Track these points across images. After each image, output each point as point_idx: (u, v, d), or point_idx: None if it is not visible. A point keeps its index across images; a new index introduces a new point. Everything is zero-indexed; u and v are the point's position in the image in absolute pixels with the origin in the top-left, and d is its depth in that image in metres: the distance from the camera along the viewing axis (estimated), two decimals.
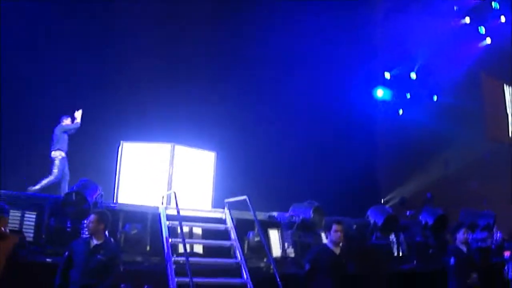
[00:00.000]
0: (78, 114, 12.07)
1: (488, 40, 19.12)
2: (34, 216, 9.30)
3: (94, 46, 13.80)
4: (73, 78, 13.36)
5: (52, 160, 11.72)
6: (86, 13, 13.95)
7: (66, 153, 11.85)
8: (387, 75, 19.26)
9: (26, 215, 9.26)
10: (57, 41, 13.37)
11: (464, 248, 10.34)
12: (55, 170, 11.61)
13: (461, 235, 10.44)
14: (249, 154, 14.60)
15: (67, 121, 12.05)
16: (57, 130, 11.92)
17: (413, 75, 19.04)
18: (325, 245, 8.48)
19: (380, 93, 19.28)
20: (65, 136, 11.94)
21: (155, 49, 14.40)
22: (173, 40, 14.75)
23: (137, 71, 13.89)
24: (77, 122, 12.04)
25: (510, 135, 19.45)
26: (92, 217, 7.37)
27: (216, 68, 15.28)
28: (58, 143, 11.80)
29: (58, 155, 11.73)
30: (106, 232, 7.79)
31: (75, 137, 12.11)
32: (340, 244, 8.21)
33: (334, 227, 8.14)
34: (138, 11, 14.33)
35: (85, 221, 7.57)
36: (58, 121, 12.02)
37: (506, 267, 11.87)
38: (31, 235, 9.15)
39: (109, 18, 14.09)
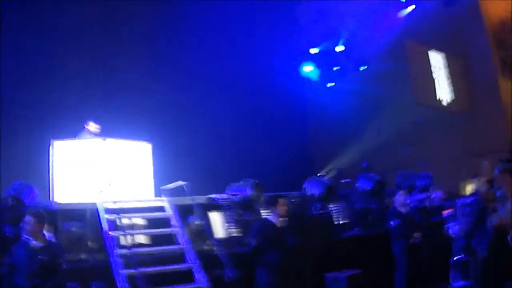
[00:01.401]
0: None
1: (410, 8, 19.42)
2: None
3: (22, 40, 13.46)
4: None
5: None
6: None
7: None
8: (313, 50, 19.39)
9: None
10: None
11: (404, 210, 10.63)
12: None
13: (399, 198, 10.75)
14: (184, 140, 14.56)
15: (89, 127, 11.58)
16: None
17: (339, 48, 19.22)
18: (266, 219, 8.68)
19: (307, 69, 19.41)
20: None
21: (84, 42, 14.17)
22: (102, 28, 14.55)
23: (67, 67, 13.67)
24: None
25: (437, 98, 19.88)
26: (30, 219, 7.27)
27: (145, 57, 15.19)
28: None
29: None
30: (45, 232, 7.70)
31: (6, 137, 11.81)
32: (281, 218, 8.43)
33: (281, 201, 8.52)
34: None
35: (23, 224, 7.43)
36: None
37: (446, 225, 12.20)
38: None
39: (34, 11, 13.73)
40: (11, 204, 9.03)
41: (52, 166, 10.49)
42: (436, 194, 13.93)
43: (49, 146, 10.59)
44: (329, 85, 19.58)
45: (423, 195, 13.78)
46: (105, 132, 10.90)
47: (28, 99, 12.96)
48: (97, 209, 9.12)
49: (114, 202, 8.86)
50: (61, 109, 13.24)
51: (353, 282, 9.97)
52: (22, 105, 12.50)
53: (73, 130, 11.88)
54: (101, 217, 8.94)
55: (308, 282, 9.31)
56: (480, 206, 9.65)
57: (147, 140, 11.15)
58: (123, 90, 14.26)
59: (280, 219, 8.48)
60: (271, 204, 8.71)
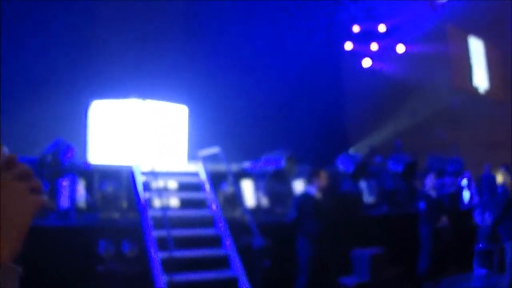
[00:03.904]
0: None
1: None
2: None
3: (60, 6, 13.52)
4: (41, 36, 13.07)
5: None
6: None
7: None
8: (356, 28, 19.25)
9: None
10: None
11: (433, 193, 10.68)
12: None
13: (429, 181, 10.80)
14: (220, 106, 14.51)
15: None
16: None
17: (381, 28, 19.06)
18: (306, 192, 8.98)
19: (349, 45, 19.27)
20: None
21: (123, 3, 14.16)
22: None
23: (106, 27, 13.70)
24: None
25: (473, 85, 19.75)
26: None
27: (185, 21, 15.16)
28: None
29: None
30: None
31: (45, 96, 11.92)
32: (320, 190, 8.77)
33: (322, 174, 9.00)
34: None
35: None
36: None
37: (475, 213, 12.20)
38: None
39: None
40: (50, 161, 9.21)
41: (90, 125, 10.63)
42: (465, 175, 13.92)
43: (87, 107, 10.71)
44: (367, 64, 19.44)
45: (450, 180, 13.78)
46: (144, 93, 10.87)
47: (70, 61, 12.99)
48: (132, 170, 9.28)
49: (149, 164, 8.99)
50: (100, 70, 13.27)
51: (375, 261, 10.09)
52: (64, 66, 12.54)
53: (111, 92, 11.94)
54: (135, 179, 9.11)
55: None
56: (508, 196, 9.70)
57: (183, 102, 11.23)
58: (162, 51, 14.22)
59: (319, 191, 8.77)
60: (312, 175, 8.99)
